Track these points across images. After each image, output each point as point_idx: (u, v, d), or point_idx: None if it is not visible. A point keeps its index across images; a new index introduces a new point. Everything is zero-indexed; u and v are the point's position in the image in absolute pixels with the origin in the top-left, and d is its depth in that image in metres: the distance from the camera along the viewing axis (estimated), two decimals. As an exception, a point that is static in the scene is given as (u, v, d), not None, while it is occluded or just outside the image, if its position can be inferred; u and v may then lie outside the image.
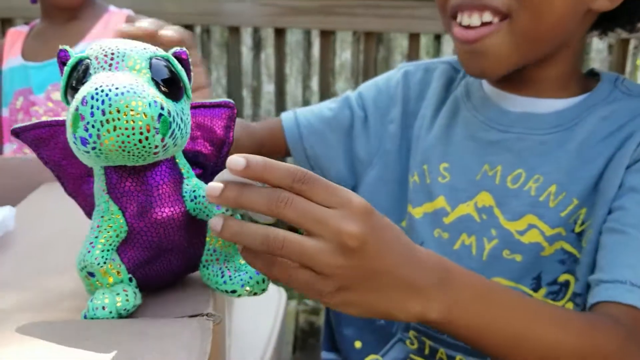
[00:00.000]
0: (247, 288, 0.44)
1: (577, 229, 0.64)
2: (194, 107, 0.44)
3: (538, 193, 0.65)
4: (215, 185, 0.38)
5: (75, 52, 0.41)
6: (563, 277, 0.65)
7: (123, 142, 0.35)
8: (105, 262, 0.39)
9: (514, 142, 0.68)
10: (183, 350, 0.36)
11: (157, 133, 0.36)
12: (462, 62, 0.67)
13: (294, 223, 0.39)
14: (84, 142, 0.36)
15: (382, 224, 0.42)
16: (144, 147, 0.36)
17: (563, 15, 0.62)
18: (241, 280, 0.44)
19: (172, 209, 0.42)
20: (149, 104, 0.35)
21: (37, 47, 1.25)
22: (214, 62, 2.68)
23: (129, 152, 0.36)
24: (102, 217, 0.40)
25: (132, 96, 0.35)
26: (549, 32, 0.63)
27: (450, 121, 0.74)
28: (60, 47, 0.41)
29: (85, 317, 0.40)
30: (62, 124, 0.43)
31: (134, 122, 0.35)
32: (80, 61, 0.39)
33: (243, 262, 0.45)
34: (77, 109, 0.35)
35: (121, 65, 0.38)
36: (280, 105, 1.90)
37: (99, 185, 0.42)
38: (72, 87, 0.39)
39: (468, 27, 0.63)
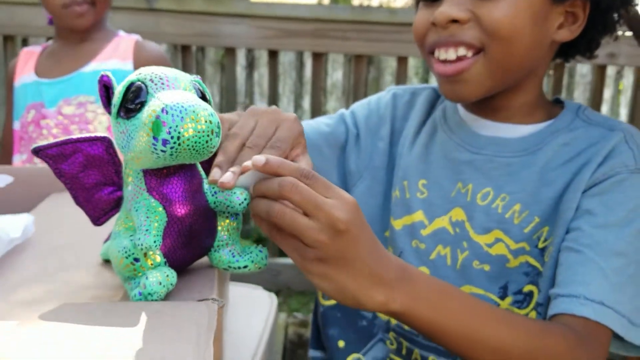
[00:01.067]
0: (255, 264, 0.54)
1: (540, 245, 0.70)
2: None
3: (504, 211, 0.72)
4: (260, 157, 0.49)
5: (104, 74, 0.49)
6: (527, 288, 0.71)
7: (196, 143, 0.44)
8: (157, 246, 0.46)
9: (484, 163, 0.74)
10: (194, 326, 0.43)
11: (216, 136, 0.46)
12: (441, 89, 0.74)
13: (297, 204, 0.48)
14: (165, 143, 0.44)
15: (364, 220, 0.51)
16: (208, 146, 0.45)
17: (531, 46, 0.68)
18: (249, 257, 0.54)
19: (201, 200, 0.51)
20: (211, 114, 0.45)
21: (50, 65, 1.32)
22: (208, 81, 2.76)
23: (197, 150, 0.45)
24: (146, 210, 0.47)
25: (200, 107, 0.45)
26: (519, 62, 0.70)
27: (428, 141, 0.80)
28: (103, 72, 0.49)
29: (139, 294, 0.47)
30: (83, 140, 0.50)
31: (204, 127, 0.44)
32: (131, 84, 0.47)
33: (244, 245, 0.55)
34: (158, 117, 0.44)
35: (176, 85, 0.48)
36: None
37: (137, 186, 0.49)
38: (125, 105, 0.47)
39: (445, 60, 0.69)
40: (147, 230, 0.46)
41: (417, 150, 0.80)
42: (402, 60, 1.93)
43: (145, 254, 0.48)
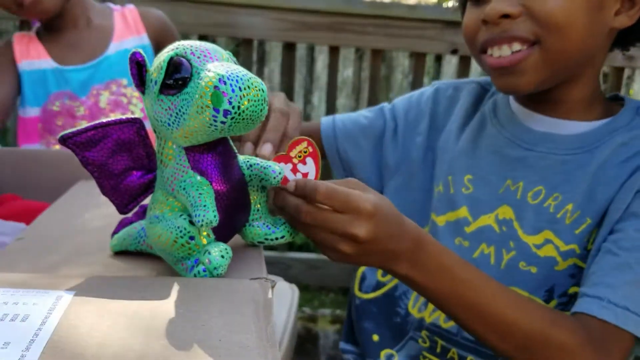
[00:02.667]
0: (290, 233, 0.55)
1: (589, 247, 0.68)
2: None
3: (556, 210, 0.69)
4: (292, 184, 0.54)
5: (136, 51, 0.47)
6: (572, 289, 0.69)
7: (253, 112, 0.44)
8: (217, 219, 0.45)
9: (537, 160, 0.72)
10: (252, 302, 0.42)
11: (267, 104, 0.45)
12: (495, 82, 0.71)
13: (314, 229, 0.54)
14: (227, 113, 0.43)
15: (381, 219, 0.53)
16: (262, 115, 0.45)
17: (587, 34, 0.66)
18: (285, 228, 0.55)
19: (240, 173, 0.51)
20: (262, 83, 0.45)
21: (66, 51, 1.27)
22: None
23: (252, 119, 0.44)
24: (197, 187, 0.46)
25: (252, 77, 0.44)
26: (576, 51, 0.66)
27: (476, 135, 0.78)
28: (135, 50, 0.47)
29: (203, 270, 0.46)
30: (113, 124, 0.48)
31: (259, 95, 0.44)
32: (171, 58, 0.45)
33: (274, 217, 0.56)
34: (217, 88, 0.42)
35: (219, 57, 0.46)
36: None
37: (180, 164, 0.48)
38: (166, 81, 0.45)
39: (499, 57, 0.68)
40: (204, 205, 0.45)
41: (463, 144, 0.78)
42: (419, 57, 1.92)
43: (199, 232, 0.47)
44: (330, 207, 0.52)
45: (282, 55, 1.93)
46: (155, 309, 0.39)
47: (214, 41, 2.54)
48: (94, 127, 0.47)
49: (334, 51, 1.90)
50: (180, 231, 0.47)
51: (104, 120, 0.48)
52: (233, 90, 0.43)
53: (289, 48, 1.89)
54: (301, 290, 2.17)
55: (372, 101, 1.94)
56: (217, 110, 0.43)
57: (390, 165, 0.85)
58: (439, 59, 2.11)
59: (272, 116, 0.65)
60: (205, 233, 0.48)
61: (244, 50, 1.91)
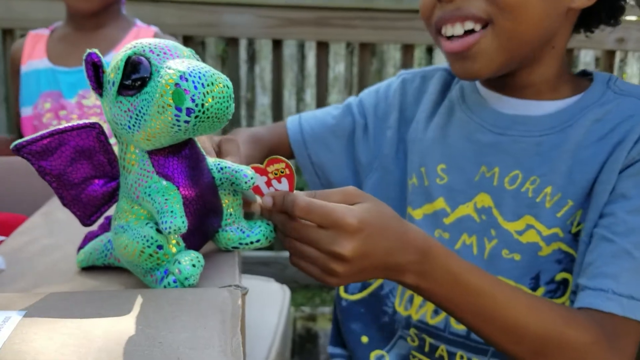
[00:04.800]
0: (266, 237, 0.52)
1: (574, 230, 0.66)
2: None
3: (535, 194, 0.67)
4: (268, 199, 0.53)
5: (92, 51, 0.45)
6: (560, 276, 0.67)
7: (218, 109, 0.42)
8: (185, 226, 0.42)
9: (510, 145, 0.69)
10: (218, 312, 0.39)
11: (233, 102, 0.43)
12: (452, 68, 0.70)
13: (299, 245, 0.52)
14: (190, 112, 0.41)
15: (371, 234, 0.51)
16: (228, 113, 0.43)
17: (542, 15, 0.64)
18: (260, 232, 0.52)
19: (209, 176, 0.49)
20: (226, 79, 0.43)
21: (64, 52, 1.26)
22: (209, 75, 2.72)
23: (218, 118, 0.42)
24: (163, 193, 0.44)
25: (216, 73, 0.42)
26: (531, 32, 0.64)
27: (445, 122, 0.76)
28: (90, 50, 0.45)
29: (174, 281, 0.44)
30: (70, 130, 0.46)
31: (223, 92, 0.42)
32: (129, 58, 0.43)
33: (250, 221, 0.53)
34: (178, 86, 0.40)
35: (180, 54, 0.44)
36: (277, 117, 1.94)
37: (144, 169, 0.45)
38: (124, 81, 0.43)
39: (452, 37, 0.66)
40: (172, 212, 0.42)
41: (433, 133, 0.76)
42: (407, 49, 1.89)
43: (167, 240, 0.45)
44: (313, 223, 0.50)
45: (272, 52, 1.90)
46: (110, 327, 0.36)
47: (201, 42, 2.52)
48: (50, 134, 0.45)
49: (321, 46, 1.88)
50: (147, 240, 0.44)
51: (60, 126, 0.46)
52: (196, 87, 0.40)
53: (277, 45, 1.87)
54: (301, 290, 2.15)
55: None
56: (179, 109, 0.41)
57: (364, 163, 0.82)
58: (430, 50, 2.09)
59: (222, 141, 0.64)
60: (174, 241, 0.46)
61: (232, 49, 1.88)
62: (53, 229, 0.65)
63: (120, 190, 0.48)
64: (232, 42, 1.87)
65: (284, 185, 0.53)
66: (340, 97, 2.80)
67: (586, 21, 0.72)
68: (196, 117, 0.41)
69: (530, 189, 0.68)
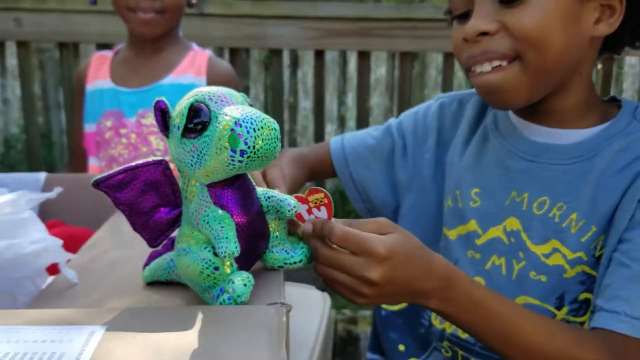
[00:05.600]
0: (308, 257, 0.58)
1: (597, 254, 0.70)
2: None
3: (561, 220, 0.71)
4: (309, 225, 0.59)
5: (159, 99, 0.52)
6: (583, 296, 0.71)
7: (267, 150, 0.48)
8: (238, 250, 0.49)
9: (540, 171, 0.73)
10: (265, 329, 0.46)
11: (279, 141, 0.50)
12: (485, 99, 0.74)
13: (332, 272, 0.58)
14: (243, 153, 0.47)
15: (398, 262, 0.56)
16: (275, 151, 0.49)
17: (566, 46, 0.66)
18: (302, 253, 0.58)
19: (258, 204, 0.56)
20: (274, 122, 0.49)
21: (126, 74, 1.35)
22: (252, 80, 2.80)
23: (267, 157, 0.49)
24: (219, 221, 0.51)
25: (265, 118, 0.48)
26: (556, 63, 0.67)
27: (480, 149, 0.80)
28: (159, 98, 0.52)
29: (228, 298, 0.50)
30: (141, 166, 0.53)
31: (271, 134, 0.48)
32: (192, 105, 0.50)
33: (292, 242, 0.60)
34: (233, 131, 0.47)
35: (234, 101, 0.51)
36: (319, 121, 1.99)
37: (203, 200, 0.52)
38: (188, 125, 0.50)
39: (482, 72, 0.69)
40: (226, 238, 0.49)
41: (469, 158, 0.80)
42: (448, 57, 1.92)
43: (223, 262, 0.51)
44: (347, 250, 0.56)
45: (313, 61, 1.96)
46: (177, 341, 0.43)
47: (246, 49, 2.59)
48: (124, 171, 0.52)
49: (363, 56, 1.92)
50: (206, 262, 0.51)
51: (133, 163, 0.53)
52: (248, 132, 0.47)
53: (319, 55, 1.93)
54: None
55: (406, 100, 1.95)
56: (234, 151, 0.47)
57: (402, 182, 0.87)
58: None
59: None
60: (228, 263, 0.52)
61: (275, 58, 1.95)
62: (119, 242, 0.72)
63: (183, 217, 0.54)
64: (275, 53, 1.94)
65: (323, 213, 0.60)
66: (382, 101, 2.84)
67: (611, 45, 0.75)
68: (248, 157, 0.48)
69: (557, 215, 0.71)
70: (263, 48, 1.97)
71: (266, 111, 2.69)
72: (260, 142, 0.47)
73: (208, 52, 1.38)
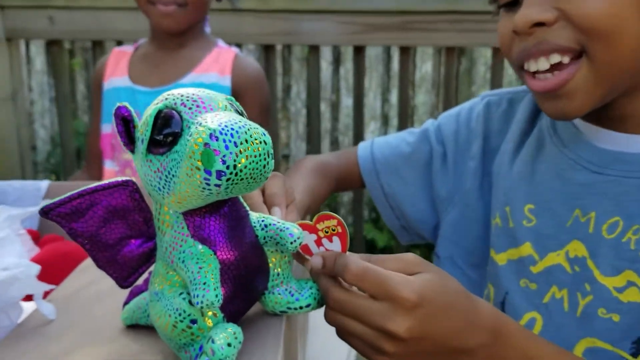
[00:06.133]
0: (317, 300, 0.48)
1: None
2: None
3: (638, 247, 0.57)
4: (318, 259, 0.48)
5: (121, 105, 0.42)
6: None
7: (254, 169, 0.38)
8: (219, 300, 0.39)
9: (609, 186, 0.60)
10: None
11: (272, 158, 0.39)
12: (542, 108, 0.61)
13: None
14: (220, 175, 0.37)
15: (433, 308, 0.45)
16: (265, 172, 0.39)
17: (639, 37, 0.55)
18: (311, 295, 0.48)
19: (253, 235, 0.45)
20: (263, 134, 0.38)
21: (145, 71, 1.26)
22: (294, 77, 2.72)
23: (254, 178, 0.38)
24: (197, 260, 0.40)
25: (252, 127, 0.38)
26: (629, 60, 0.56)
27: (534, 157, 0.67)
28: (120, 104, 0.42)
29: None
30: (100, 189, 0.43)
31: (260, 149, 0.38)
32: (159, 111, 0.40)
33: (301, 280, 0.49)
34: (207, 145, 0.37)
35: (213, 106, 0.40)
36: (359, 119, 1.89)
37: (179, 233, 0.42)
38: (155, 137, 0.40)
39: (536, 72, 0.58)
40: (204, 283, 0.39)
41: (520, 168, 0.68)
42: (497, 52, 1.77)
43: (202, 313, 0.41)
44: (365, 293, 0.45)
45: (352, 57, 1.86)
46: None
47: (287, 45, 2.51)
48: (79, 195, 0.42)
49: (405, 51, 1.81)
50: (180, 314, 0.41)
51: (91, 185, 0.43)
52: (227, 147, 0.37)
53: (359, 51, 1.82)
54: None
55: (452, 98, 1.83)
56: (208, 172, 0.37)
57: (442, 196, 0.75)
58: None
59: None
60: (210, 313, 0.42)
61: (313, 54, 1.85)
62: (95, 279, 0.64)
63: (157, 251, 0.45)
64: (313, 49, 1.84)
65: (335, 245, 0.48)
66: (427, 98, 2.71)
67: None
68: (227, 179, 0.37)
69: (632, 240, 0.58)
70: (299, 44, 1.87)
71: (307, 109, 2.61)
72: (243, 160, 0.37)
73: (234, 50, 1.29)
